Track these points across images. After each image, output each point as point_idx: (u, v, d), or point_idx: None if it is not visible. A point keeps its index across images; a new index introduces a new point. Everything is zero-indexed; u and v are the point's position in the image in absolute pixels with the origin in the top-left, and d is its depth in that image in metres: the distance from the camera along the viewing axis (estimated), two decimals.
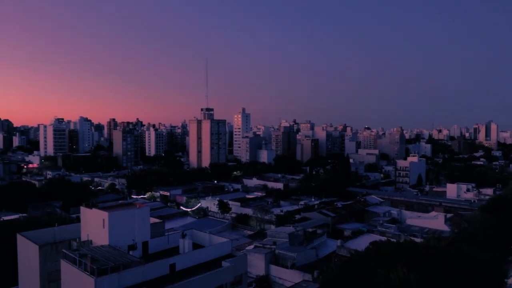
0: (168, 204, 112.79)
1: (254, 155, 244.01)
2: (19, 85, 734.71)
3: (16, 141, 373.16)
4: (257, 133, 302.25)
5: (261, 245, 60.62)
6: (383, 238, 55.06)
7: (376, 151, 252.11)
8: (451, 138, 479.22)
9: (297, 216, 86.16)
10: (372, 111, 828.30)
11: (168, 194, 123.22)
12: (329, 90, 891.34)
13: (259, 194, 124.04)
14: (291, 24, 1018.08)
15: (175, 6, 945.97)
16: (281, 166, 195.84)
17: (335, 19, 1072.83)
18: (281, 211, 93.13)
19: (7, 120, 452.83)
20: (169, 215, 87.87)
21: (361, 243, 54.54)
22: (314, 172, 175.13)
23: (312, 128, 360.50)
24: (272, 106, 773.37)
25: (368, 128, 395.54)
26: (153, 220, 39.56)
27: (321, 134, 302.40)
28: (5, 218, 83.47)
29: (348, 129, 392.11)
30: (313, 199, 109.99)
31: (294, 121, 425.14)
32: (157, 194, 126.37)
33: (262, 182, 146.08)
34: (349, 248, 54.26)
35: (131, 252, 32.40)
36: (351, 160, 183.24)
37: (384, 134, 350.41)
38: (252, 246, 63.36)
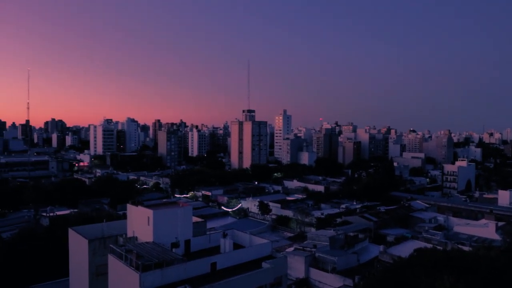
0: (210, 204, 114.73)
1: (295, 157, 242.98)
2: (72, 87, 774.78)
3: (68, 140, 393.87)
4: (298, 135, 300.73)
5: (301, 247, 60.29)
6: (429, 245, 53.13)
7: (422, 155, 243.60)
8: (504, 142, 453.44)
9: (338, 220, 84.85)
10: (418, 113, 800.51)
11: (209, 194, 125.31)
12: (372, 92, 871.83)
13: (300, 196, 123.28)
14: (330, 25, 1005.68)
15: (218, 10, 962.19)
16: (322, 168, 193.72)
17: (373, 21, 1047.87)
18: (322, 214, 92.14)
19: (60, 121, 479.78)
20: (210, 214, 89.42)
21: (405, 249, 52.92)
22: (356, 175, 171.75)
23: (354, 130, 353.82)
24: (314, 108, 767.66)
25: (414, 131, 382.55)
26: (195, 219, 40.40)
27: (363, 137, 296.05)
28: (58, 213, 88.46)
29: (392, 131, 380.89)
30: (354, 203, 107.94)
31: (336, 123, 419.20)
32: (199, 193, 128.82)
33: (302, 184, 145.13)
34: (392, 254, 52.80)
35: (174, 250, 33.25)
36: (395, 164, 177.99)
37: (430, 137, 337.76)
38: (292, 248, 63.16)
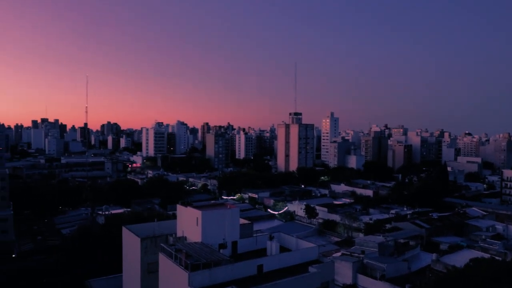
0: (256, 206, 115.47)
1: (342, 160, 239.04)
2: (127, 91, 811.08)
3: (122, 142, 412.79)
4: (346, 138, 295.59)
5: (348, 253, 59.19)
6: (486, 255, 50.25)
7: (479, 159, 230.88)
8: None
9: (388, 226, 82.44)
10: (473, 115, 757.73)
11: (256, 196, 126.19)
12: (424, 94, 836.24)
13: (347, 200, 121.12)
14: (378, 27, 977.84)
15: (264, 14, 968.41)
16: (370, 172, 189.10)
17: (423, 21, 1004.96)
18: (370, 219, 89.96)
19: (115, 124, 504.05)
20: (256, 217, 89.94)
21: (460, 258, 50.46)
22: (406, 180, 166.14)
23: (405, 133, 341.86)
24: (362, 111, 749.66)
25: (469, 134, 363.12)
26: (242, 221, 40.87)
27: (415, 140, 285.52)
28: (113, 211, 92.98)
29: (446, 134, 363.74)
30: (405, 209, 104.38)
31: (386, 125, 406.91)
32: (246, 195, 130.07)
33: (350, 188, 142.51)
34: (445, 263, 50.51)
35: (221, 251, 33.90)
36: (449, 168, 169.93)
37: (488, 140, 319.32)
38: (339, 254, 62.13)
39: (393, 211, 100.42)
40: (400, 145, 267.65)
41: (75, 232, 68.99)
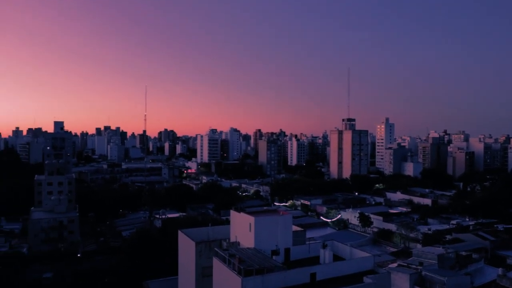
0: (309, 213, 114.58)
1: (398, 168, 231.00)
2: (183, 99, 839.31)
3: (178, 149, 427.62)
4: (402, 144, 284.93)
5: (405, 264, 56.98)
6: None
7: None
8: None
9: (448, 237, 78.40)
10: None
11: (308, 203, 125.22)
12: (487, 98, 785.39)
13: (404, 209, 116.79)
14: (434, 30, 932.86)
15: (315, 20, 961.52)
16: (429, 180, 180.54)
17: (486, 25, 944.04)
18: (429, 229, 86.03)
19: (172, 131, 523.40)
20: (309, 224, 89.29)
21: None
22: (468, 189, 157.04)
23: (466, 139, 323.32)
24: (419, 116, 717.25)
25: None
26: (295, 228, 40.75)
27: (477, 146, 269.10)
28: (169, 215, 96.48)
29: None
30: (467, 219, 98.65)
31: (445, 131, 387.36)
32: (298, 202, 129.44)
33: (407, 197, 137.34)
34: None
35: (274, 257, 33.99)
36: None
37: None
38: (395, 265, 60.00)
39: (453, 222, 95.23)
40: (461, 152, 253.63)
41: (134, 234, 72.34)
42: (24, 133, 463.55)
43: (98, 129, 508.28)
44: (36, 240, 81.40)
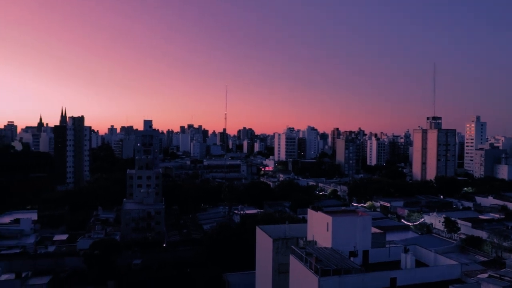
0: (388, 216, 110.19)
1: (490, 170, 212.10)
2: (261, 98, 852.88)
3: (256, 147, 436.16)
4: (495, 144, 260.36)
5: (497, 275, 52.35)
6: None
7: None
8: None
9: None
10: None
11: (388, 205, 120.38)
12: None
13: (496, 216, 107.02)
14: None
15: (395, 17, 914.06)
16: None
17: None
18: None
19: (250, 129, 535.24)
20: (389, 226, 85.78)
21: None
22: None
23: None
24: None
25: None
26: (374, 230, 39.73)
27: None
28: (247, 211, 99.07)
29: None
30: None
31: None
32: (377, 204, 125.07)
33: (500, 202, 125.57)
34: None
35: (352, 259, 33.52)
36: None
37: None
38: (485, 275, 55.31)
39: None
40: None
41: (214, 228, 75.45)
42: (118, 130, 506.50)
43: (182, 127, 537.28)
44: (127, 229, 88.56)
